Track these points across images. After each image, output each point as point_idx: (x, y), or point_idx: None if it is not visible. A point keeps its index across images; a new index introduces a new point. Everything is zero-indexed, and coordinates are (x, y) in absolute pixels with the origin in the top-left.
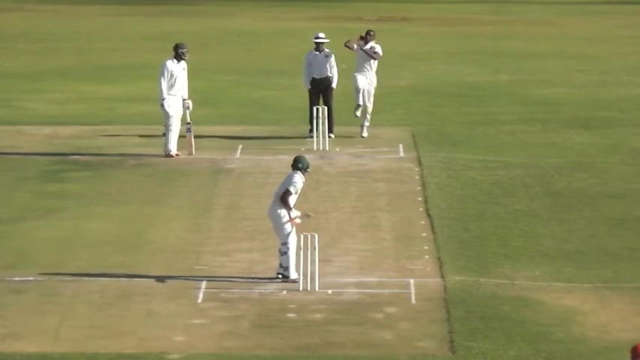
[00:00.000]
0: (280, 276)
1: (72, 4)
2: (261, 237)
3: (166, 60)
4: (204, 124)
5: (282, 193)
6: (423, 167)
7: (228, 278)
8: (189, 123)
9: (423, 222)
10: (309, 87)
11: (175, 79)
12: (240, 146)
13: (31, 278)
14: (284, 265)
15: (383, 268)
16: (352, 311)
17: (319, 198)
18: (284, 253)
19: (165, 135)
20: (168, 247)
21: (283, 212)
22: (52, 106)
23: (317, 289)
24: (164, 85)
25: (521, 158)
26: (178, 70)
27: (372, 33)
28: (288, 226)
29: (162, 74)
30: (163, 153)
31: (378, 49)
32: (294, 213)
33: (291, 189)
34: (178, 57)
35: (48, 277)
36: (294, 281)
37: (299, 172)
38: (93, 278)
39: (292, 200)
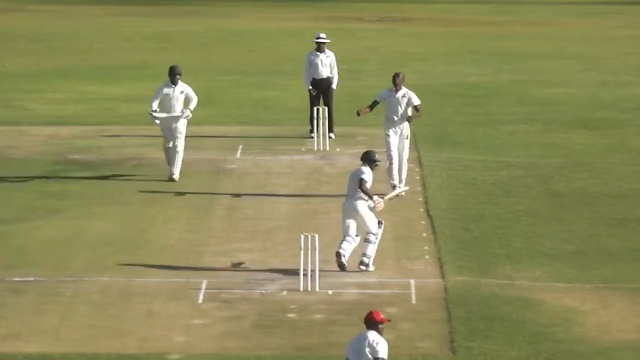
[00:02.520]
0: (362, 266)
1: (72, 4)
2: (261, 237)
3: (162, 85)
4: (204, 124)
5: (359, 184)
6: (424, 167)
7: (228, 278)
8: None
9: (423, 222)
10: (310, 87)
11: (171, 103)
12: (241, 146)
13: (32, 278)
14: (369, 254)
15: (383, 268)
16: (353, 311)
17: (320, 198)
18: (371, 242)
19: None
20: (168, 248)
21: (364, 205)
22: (52, 106)
23: (317, 289)
24: (154, 104)
25: (521, 158)
26: (175, 94)
27: (400, 76)
28: (374, 216)
29: (156, 96)
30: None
31: (414, 98)
32: (378, 199)
33: (365, 177)
34: (174, 81)
35: (48, 277)
36: (368, 270)
37: (367, 165)
38: (93, 278)
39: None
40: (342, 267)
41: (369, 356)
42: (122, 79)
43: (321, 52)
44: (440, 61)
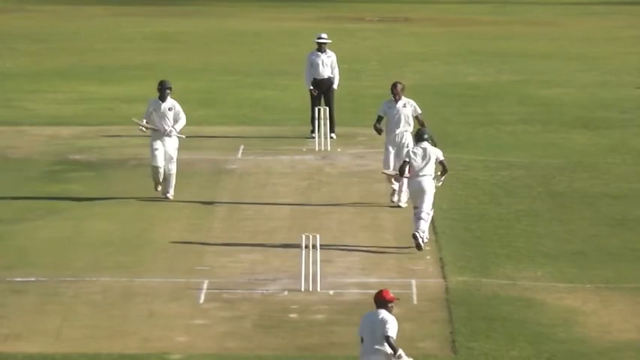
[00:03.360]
0: (421, 240)
1: (72, 4)
2: (262, 237)
3: (151, 101)
4: (205, 125)
5: (442, 163)
6: None
7: (229, 278)
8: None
9: None
10: (311, 88)
11: (159, 120)
12: (242, 147)
13: (33, 279)
14: (423, 229)
15: (384, 268)
16: (354, 312)
17: (321, 198)
18: (424, 220)
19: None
20: (169, 248)
21: (432, 184)
22: (53, 106)
23: (319, 289)
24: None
25: (522, 159)
26: (163, 110)
27: (399, 86)
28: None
29: (146, 113)
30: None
31: (417, 107)
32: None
33: (442, 157)
34: (163, 96)
35: (49, 277)
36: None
37: (427, 142)
38: (94, 278)
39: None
40: (420, 248)
41: (379, 334)
42: (123, 80)
43: (322, 53)
44: (440, 61)
